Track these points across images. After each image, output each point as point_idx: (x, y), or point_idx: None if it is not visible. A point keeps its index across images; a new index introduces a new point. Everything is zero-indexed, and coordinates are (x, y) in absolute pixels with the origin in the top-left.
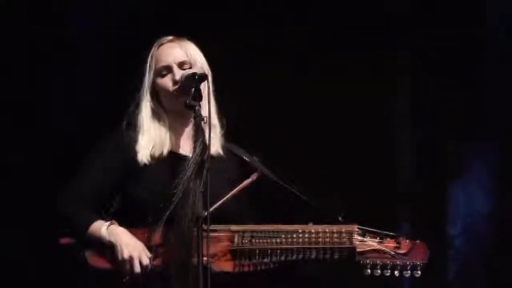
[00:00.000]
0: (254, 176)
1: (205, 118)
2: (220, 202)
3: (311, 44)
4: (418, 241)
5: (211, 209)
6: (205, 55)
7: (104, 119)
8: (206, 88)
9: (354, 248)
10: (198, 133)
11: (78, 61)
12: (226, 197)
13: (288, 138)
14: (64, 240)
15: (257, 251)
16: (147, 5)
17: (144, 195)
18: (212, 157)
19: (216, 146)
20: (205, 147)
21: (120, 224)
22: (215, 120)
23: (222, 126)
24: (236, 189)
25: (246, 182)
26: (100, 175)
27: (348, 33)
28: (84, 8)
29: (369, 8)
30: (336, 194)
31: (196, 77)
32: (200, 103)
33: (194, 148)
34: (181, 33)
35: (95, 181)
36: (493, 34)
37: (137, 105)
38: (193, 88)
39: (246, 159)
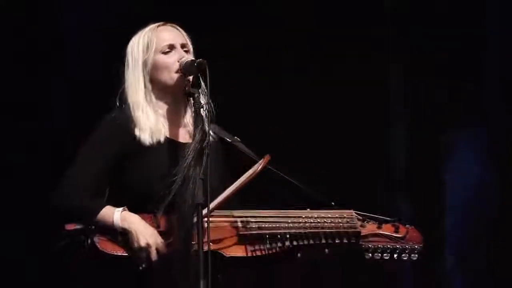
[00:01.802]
0: (258, 166)
1: (204, 106)
2: (226, 194)
3: (307, 37)
4: (409, 226)
5: (216, 202)
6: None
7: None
8: (206, 74)
9: (359, 232)
10: (198, 120)
11: (77, 59)
12: (232, 189)
13: (282, 127)
14: (69, 226)
15: (267, 236)
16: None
17: (143, 180)
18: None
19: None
20: (205, 134)
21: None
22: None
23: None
24: (242, 180)
25: (251, 173)
26: (100, 162)
27: (342, 26)
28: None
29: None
30: (329, 182)
31: (195, 64)
32: (200, 90)
33: (194, 135)
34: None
35: (95, 168)
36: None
37: (128, 88)
38: (193, 76)
39: (229, 140)
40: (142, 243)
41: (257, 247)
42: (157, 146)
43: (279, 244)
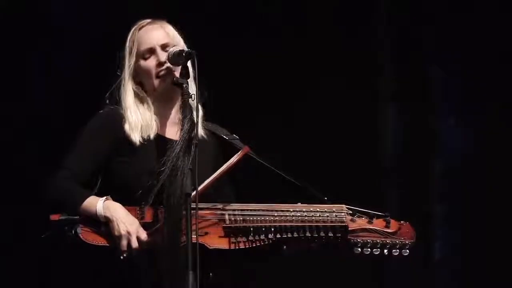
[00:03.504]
0: (240, 154)
1: (192, 96)
2: (207, 181)
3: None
4: (403, 222)
5: (199, 188)
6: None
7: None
8: (194, 64)
9: (346, 227)
10: (186, 110)
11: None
12: (214, 176)
13: (273, 117)
14: (54, 217)
15: (251, 228)
16: None
17: (132, 174)
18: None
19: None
20: (193, 124)
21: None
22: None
23: (203, 106)
24: (223, 168)
25: (232, 161)
26: (91, 154)
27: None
28: None
29: None
30: (322, 170)
31: (184, 54)
32: (188, 80)
33: (182, 125)
34: (161, 16)
35: (86, 161)
36: None
37: (119, 89)
38: (181, 66)
39: (226, 138)
40: (122, 230)
41: (240, 239)
42: (147, 144)
43: (263, 237)
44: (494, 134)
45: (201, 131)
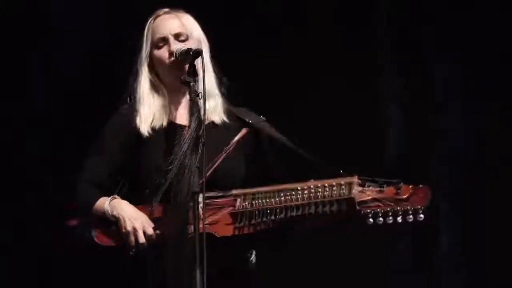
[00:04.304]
0: (241, 134)
1: (200, 94)
2: (214, 166)
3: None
4: (419, 185)
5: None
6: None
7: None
8: (202, 62)
9: (352, 199)
10: (194, 108)
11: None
12: (219, 160)
13: (273, 117)
14: (71, 222)
15: (256, 212)
16: None
17: (145, 169)
18: (216, 125)
19: (218, 114)
20: (201, 122)
21: (133, 202)
22: (215, 89)
23: (223, 94)
24: (226, 149)
25: (233, 140)
26: (107, 158)
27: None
28: None
29: None
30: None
31: (191, 53)
32: (195, 78)
33: (190, 123)
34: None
35: (103, 164)
36: None
37: (135, 78)
38: (188, 64)
39: (249, 121)
40: (129, 227)
41: (244, 224)
42: (157, 134)
43: (266, 219)
44: (494, 134)
45: (225, 118)
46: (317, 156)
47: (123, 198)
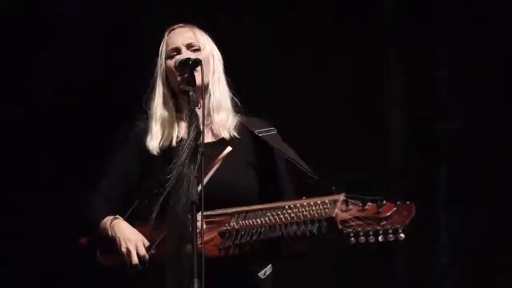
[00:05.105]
0: (225, 152)
1: (199, 104)
2: (204, 181)
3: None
4: (401, 202)
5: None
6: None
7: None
8: (201, 72)
9: (332, 218)
10: (192, 118)
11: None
12: (207, 177)
13: (273, 117)
14: (83, 240)
15: (242, 232)
16: None
17: (152, 185)
18: (225, 140)
19: (228, 129)
20: (199, 132)
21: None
22: (228, 104)
23: (234, 107)
24: (211, 165)
25: (219, 157)
26: (120, 177)
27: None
28: None
29: None
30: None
31: (190, 62)
32: (194, 88)
33: (188, 133)
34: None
35: (116, 184)
36: None
37: (150, 93)
38: (187, 74)
39: (258, 134)
40: (123, 248)
41: (231, 244)
42: (167, 152)
43: (253, 239)
44: (500, 135)
45: (234, 133)
46: (322, 171)
47: (134, 216)
